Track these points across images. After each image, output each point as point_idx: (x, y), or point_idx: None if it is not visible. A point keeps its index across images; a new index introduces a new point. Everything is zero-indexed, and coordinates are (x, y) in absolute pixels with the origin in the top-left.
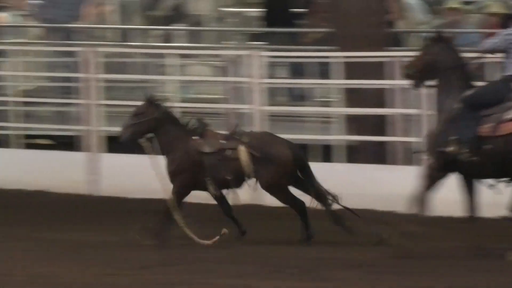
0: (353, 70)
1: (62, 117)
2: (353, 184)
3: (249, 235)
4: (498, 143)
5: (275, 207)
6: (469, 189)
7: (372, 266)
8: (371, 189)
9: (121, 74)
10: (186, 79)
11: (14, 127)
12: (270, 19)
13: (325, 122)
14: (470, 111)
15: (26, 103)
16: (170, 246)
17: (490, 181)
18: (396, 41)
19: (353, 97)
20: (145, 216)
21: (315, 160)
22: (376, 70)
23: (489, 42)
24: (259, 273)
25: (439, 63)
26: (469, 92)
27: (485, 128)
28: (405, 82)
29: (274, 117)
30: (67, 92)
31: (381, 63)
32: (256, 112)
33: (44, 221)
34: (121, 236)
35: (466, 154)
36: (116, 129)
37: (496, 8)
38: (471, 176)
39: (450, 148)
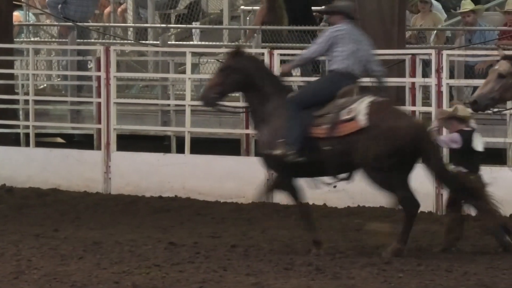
0: None
1: (76, 116)
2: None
3: (262, 233)
4: (336, 144)
5: (287, 205)
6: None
7: (387, 264)
8: None
9: (136, 72)
10: (202, 77)
11: (28, 125)
12: (290, 17)
13: None
14: (298, 111)
15: (40, 101)
16: (183, 245)
17: (326, 179)
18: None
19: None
20: (159, 215)
21: None
22: (390, 67)
23: (310, 50)
24: (271, 271)
25: (246, 75)
26: (293, 93)
27: (321, 129)
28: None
29: None
30: (81, 90)
31: (394, 61)
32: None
33: (58, 219)
34: (135, 234)
35: (294, 155)
36: (130, 127)
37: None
38: (306, 175)
39: (278, 151)
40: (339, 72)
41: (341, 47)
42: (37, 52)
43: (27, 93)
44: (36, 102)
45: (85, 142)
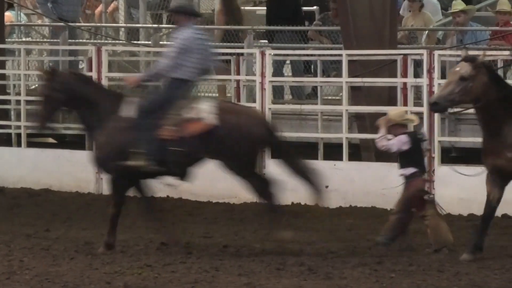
0: (358, 68)
1: (67, 116)
2: (357, 182)
3: (254, 233)
4: (185, 144)
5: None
6: (141, 190)
7: (379, 264)
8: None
9: (127, 72)
10: None
11: (19, 125)
12: (279, 17)
13: (330, 120)
14: (145, 119)
15: (31, 102)
16: (175, 245)
17: (170, 179)
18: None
19: (358, 95)
20: (152, 215)
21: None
22: (382, 68)
23: (162, 65)
24: (262, 271)
25: (70, 93)
26: (139, 102)
27: (167, 131)
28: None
29: (280, 115)
30: None
31: (386, 61)
32: (263, 110)
33: (49, 219)
34: (127, 235)
35: (149, 163)
36: None
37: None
38: (150, 177)
39: (133, 162)
40: (181, 79)
41: (188, 57)
42: (28, 52)
43: (18, 93)
44: (28, 102)
45: (76, 142)
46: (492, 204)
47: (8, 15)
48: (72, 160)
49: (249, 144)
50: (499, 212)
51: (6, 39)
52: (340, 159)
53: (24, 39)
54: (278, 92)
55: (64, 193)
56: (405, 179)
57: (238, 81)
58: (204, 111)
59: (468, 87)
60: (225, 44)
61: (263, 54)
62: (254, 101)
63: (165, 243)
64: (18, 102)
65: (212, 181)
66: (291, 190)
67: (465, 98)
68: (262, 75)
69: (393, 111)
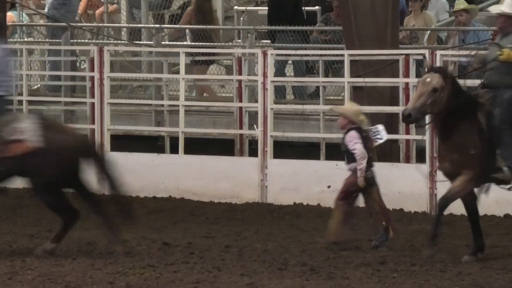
0: (360, 68)
1: (70, 116)
2: None
3: (256, 233)
4: (9, 163)
5: (281, 205)
6: None
7: (381, 264)
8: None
9: (129, 72)
10: (195, 77)
11: None
12: (280, 17)
13: (332, 120)
14: None
15: (33, 102)
16: (177, 245)
17: None
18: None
19: (360, 95)
20: (153, 215)
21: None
22: (384, 68)
23: None
24: (265, 271)
25: None
26: None
27: None
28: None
29: (282, 115)
30: (74, 90)
31: (388, 61)
32: (264, 111)
33: (52, 220)
34: (129, 235)
35: None
36: (124, 127)
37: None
38: None
39: None
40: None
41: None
42: (30, 52)
43: (20, 94)
44: (30, 102)
45: None
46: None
47: (10, 15)
48: None
49: (62, 164)
50: (501, 212)
51: (8, 39)
52: (342, 159)
53: (26, 39)
54: (280, 92)
55: (66, 193)
56: (352, 172)
57: (240, 81)
58: (27, 130)
59: (439, 98)
60: (225, 44)
61: (265, 54)
62: (256, 101)
63: (168, 243)
64: (20, 102)
65: (214, 181)
66: (293, 190)
67: (434, 109)
68: (264, 75)
69: (351, 107)
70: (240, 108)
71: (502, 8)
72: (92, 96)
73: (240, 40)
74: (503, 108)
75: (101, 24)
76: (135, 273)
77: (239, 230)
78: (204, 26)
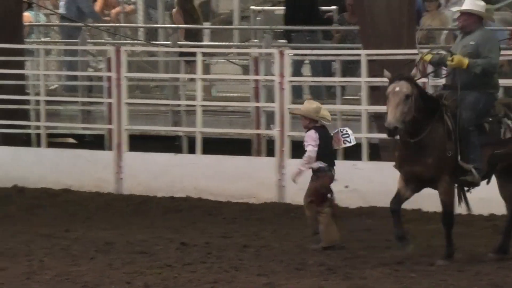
0: (377, 67)
1: (87, 116)
2: (376, 182)
3: (274, 233)
4: None
5: (298, 205)
6: None
7: (399, 264)
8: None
9: (146, 72)
10: (212, 77)
11: (39, 126)
12: (296, 17)
13: (350, 120)
14: None
15: (50, 102)
16: (195, 245)
17: None
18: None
19: (377, 94)
20: (170, 215)
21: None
22: (400, 68)
23: None
24: (282, 271)
25: None
26: None
27: None
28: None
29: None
30: (91, 90)
31: (404, 61)
32: (282, 111)
33: (69, 220)
34: (147, 235)
35: None
36: (141, 127)
37: None
38: None
39: None
40: None
41: None
42: (47, 52)
43: (38, 94)
44: (47, 102)
45: (96, 142)
46: (401, 200)
47: (27, 15)
48: (92, 160)
49: None
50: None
51: (25, 40)
52: (360, 159)
53: (43, 39)
54: (297, 92)
55: (83, 193)
56: (313, 173)
57: (257, 81)
58: None
59: (411, 105)
60: (242, 44)
61: (282, 54)
62: (273, 101)
63: (185, 243)
64: (37, 102)
65: (231, 181)
66: None
67: (410, 116)
68: (281, 75)
69: (310, 105)
70: (257, 108)
71: (463, 6)
72: (110, 96)
73: (256, 40)
74: (469, 110)
75: (118, 24)
76: (153, 273)
77: (256, 230)
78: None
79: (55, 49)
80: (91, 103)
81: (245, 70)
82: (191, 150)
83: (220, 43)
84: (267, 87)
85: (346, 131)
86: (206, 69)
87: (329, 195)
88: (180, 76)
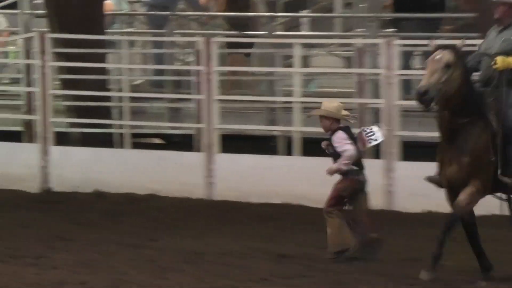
0: None
1: (175, 114)
2: None
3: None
4: None
5: (411, 213)
6: None
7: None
8: None
9: (239, 66)
10: (311, 71)
11: (122, 125)
12: (405, 3)
13: None
14: None
15: (135, 99)
16: (293, 256)
17: None
18: None
19: None
20: (266, 223)
21: None
22: None
23: None
24: (391, 286)
25: None
26: None
27: None
28: None
29: (409, 113)
30: (179, 86)
31: None
32: (390, 107)
33: (155, 228)
34: (241, 245)
35: None
36: (234, 127)
37: None
38: None
39: None
40: None
41: None
42: (131, 44)
43: (120, 90)
44: (131, 99)
45: (184, 143)
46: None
47: (109, 3)
48: (180, 162)
49: None
50: None
51: (107, 30)
52: None
53: (126, 30)
54: (406, 87)
55: (171, 198)
56: (341, 174)
57: (361, 75)
58: None
59: (452, 76)
60: (345, 34)
61: (389, 44)
62: (380, 97)
63: (283, 254)
64: (120, 99)
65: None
66: (422, 196)
67: (448, 89)
68: (389, 67)
69: (330, 105)
70: (362, 104)
71: None
72: (199, 92)
73: (361, 29)
74: None
75: (208, 13)
76: (247, 287)
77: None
78: (320, 15)
79: (140, 40)
80: (179, 100)
81: (348, 62)
82: (289, 152)
83: (320, 33)
84: (372, 81)
85: (371, 129)
86: (305, 62)
87: (345, 200)
88: (276, 69)
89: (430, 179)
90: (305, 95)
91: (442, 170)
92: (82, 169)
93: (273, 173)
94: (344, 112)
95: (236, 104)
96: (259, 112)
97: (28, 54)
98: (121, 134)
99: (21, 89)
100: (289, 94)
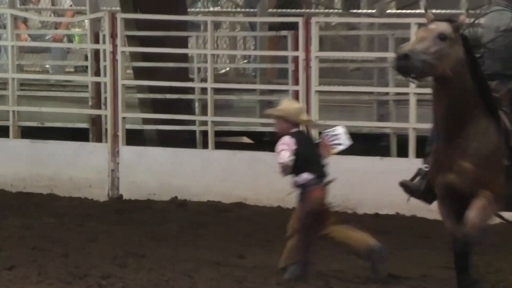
0: None
1: (267, 108)
2: None
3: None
4: None
5: None
6: None
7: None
8: None
9: (344, 51)
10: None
11: (206, 121)
12: None
13: None
14: None
15: (221, 90)
16: (408, 277)
17: None
18: None
19: None
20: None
21: None
22: None
23: None
24: None
25: None
26: None
27: None
28: None
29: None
30: (273, 75)
31: None
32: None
33: (244, 242)
34: (343, 264)
35: None
36: (336, 122)
37: None
38: None
39: None
40: None
41: None
42: (217, 26)
43: (204, 80)
44: (216, 91)
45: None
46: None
47: None
48: (274, 165)
49: None
50: None
51: (189, 9)
52: None
53: (211, 9)
54: None
55: (262, 208)
56: (300, 189)
57: None
58: None
59: (446, 51)
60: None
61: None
62: None
63: (394, 274)
64: (203, 90)
65: None
66: None
67: (438, 64)
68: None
69: (290, 106)
70: None
71: None
72: (296, 82)
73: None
74: None
75: None
76: None
77: (490, 259)
78: None
79: (227, 21)
80: (272, 92)
81: None
82: (403, 153)
83: (442, 11)
84: None
85: (334, 131)
86: None
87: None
88: (387, 55)
89: (405, 185)
90: (420, 85)
91: (438, 175)
92: (158, 173)
93: (384, 178)
94: (304, 117)
95: (339, 96)
96: (367, 106)
97: (96, 38)
98: (204, 132)
99: (88, 79)
100: (403, 84)
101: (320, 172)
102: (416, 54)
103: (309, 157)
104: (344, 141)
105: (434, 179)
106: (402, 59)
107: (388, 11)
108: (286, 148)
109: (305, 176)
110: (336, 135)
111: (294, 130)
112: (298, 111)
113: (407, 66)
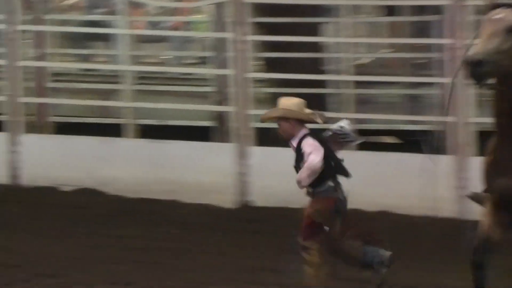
0: None
1: (414, 104)
2: None
3: None
4: None
5: None
6: None
7: None
8: None
9: None
10: None
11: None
12: None
13: None
14: None
15: (360, 84)
16: None
17: None
18: None
19: None
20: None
21: None
22: None
23: None
24: None
25: None
26: None
27: None
28: None
29: None
30: (420, 67)
31: None
32: None
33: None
34: (461, 282)
35: None
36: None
37: None
38: None
39: None
40: None
41: None
42: (356, 10)
43: (341, 72)
44: (355, 84)
45: (425, 142)
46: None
47: None
48: (426, 168)
49: None
50: None
51: None
52: None
53: None
54: None
55: (409, 217)
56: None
57: None
58: None
59: None
60: None
61: None
62: None
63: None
64: (340, 84)
65: None
66: None
67: (506, 62)
68: None
69: (289, 102)
70: None
71: None
72: (445, 74)
73: None
74: None
75: None
76: None
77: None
78: None
79: (367, 5)
80: (420, 85)
81: None
82: None
83: None
84: None
85: (341, 128)
86: None
87: (325, 227)
88: None
89: (475, 198)
90: None
91: (495, 176)
92: (292, 177)
93: None
94: (308, 111)
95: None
96: None
97: (219, 26)
98: None
99: (211, 71)
100: None
101: (333, 178)
102: (489, 58)
103: (333, 161)
104: (354, 138)
105: (490, 181)
106: (476, 65)
107: None
108: (315, 151)
109: (329, 184)
110: (344, 131)
111: (304, 130)
112: (298, 106)
113: (482, 74)
